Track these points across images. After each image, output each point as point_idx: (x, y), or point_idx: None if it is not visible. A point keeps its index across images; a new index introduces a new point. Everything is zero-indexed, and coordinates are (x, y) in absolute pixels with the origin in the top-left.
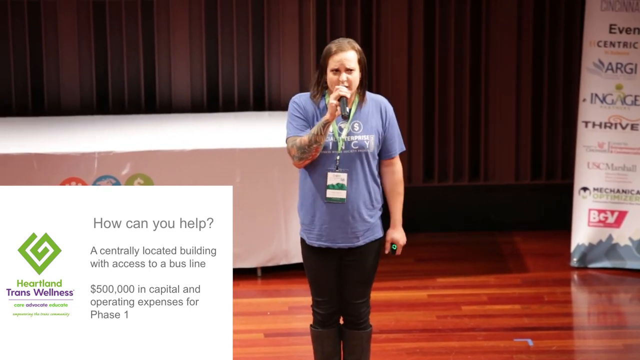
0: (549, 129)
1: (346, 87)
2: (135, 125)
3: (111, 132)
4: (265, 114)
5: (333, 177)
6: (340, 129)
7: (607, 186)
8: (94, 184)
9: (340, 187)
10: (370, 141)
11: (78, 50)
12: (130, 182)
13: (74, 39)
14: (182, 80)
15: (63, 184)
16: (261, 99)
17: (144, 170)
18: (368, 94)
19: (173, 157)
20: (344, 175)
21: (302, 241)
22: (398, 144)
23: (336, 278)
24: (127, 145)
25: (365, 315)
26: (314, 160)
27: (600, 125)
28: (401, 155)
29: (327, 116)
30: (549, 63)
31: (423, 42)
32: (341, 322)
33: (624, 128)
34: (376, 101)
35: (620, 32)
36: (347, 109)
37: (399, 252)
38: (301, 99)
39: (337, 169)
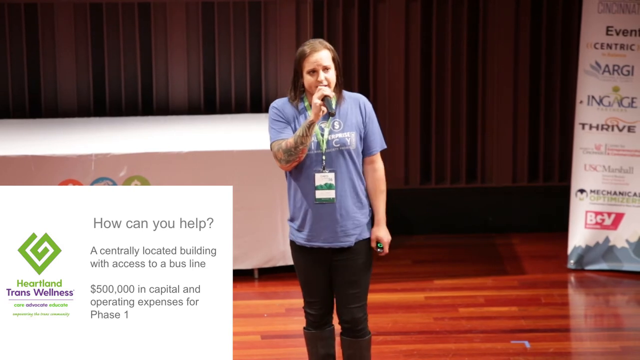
0: (546, 131)
1: (326, 85)
2: (132, 127)
3: (108, 134)
4: (263, 115)
5: (321, 178)
6: (322, 129)
7: (604, 188)
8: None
9: (328, 187)
10: (351, 138)
11: (75, 53)
12: (127, 184)
13: (71, 41)
14: (179, 82)
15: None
16: (258, 101)
17: (141, 172)
18: (345, 93)
19: (170, 159)
20: (332, 175)
21: (292, 243)
22: (379, 141)
23: (327, 278)
24: (124, 147)
25: (362, 322)
26: (299, 163)
27: (597, 127)
28: (398, 157)
29: (311, 117)
30: (546, 65)
31: (420, 45)
32: (337, 324)
33: (620, 130)
34: (354, 99)
35: (617, 34)
36: (334, 107)
37: (385, 250)
38: (279, 104)
39: (323, 169)
